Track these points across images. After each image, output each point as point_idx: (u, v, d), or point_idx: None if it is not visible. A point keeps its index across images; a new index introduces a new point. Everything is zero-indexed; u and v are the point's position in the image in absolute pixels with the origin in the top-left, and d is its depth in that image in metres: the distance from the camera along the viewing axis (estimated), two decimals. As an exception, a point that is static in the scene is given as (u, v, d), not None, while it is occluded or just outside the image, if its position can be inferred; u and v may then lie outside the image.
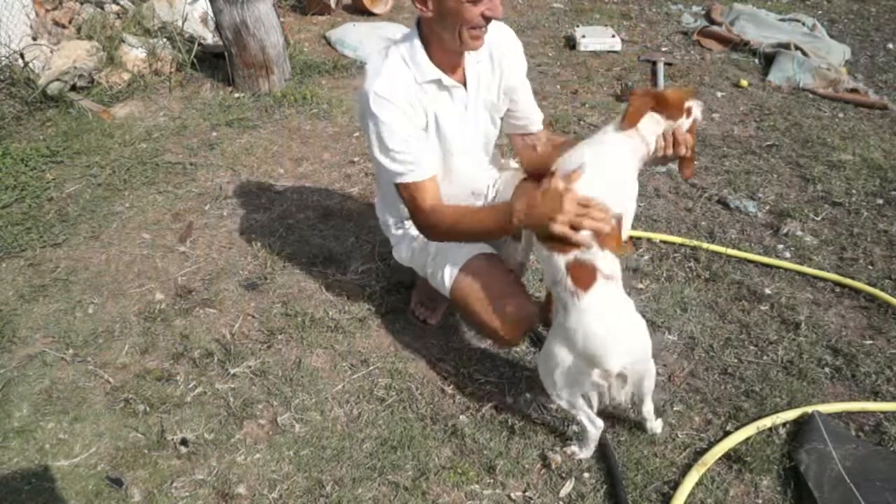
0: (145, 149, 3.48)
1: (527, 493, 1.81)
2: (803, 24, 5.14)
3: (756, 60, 4.66)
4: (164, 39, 4.35)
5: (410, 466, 1.87)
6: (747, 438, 1.92)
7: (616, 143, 1.74)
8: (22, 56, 4.01)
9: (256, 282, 2.57)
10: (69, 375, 2.17)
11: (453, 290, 2.02)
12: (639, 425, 1.97)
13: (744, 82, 4.30)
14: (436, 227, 1.89)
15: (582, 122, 3.82)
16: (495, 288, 1.94)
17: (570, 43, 4.96)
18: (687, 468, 1.85)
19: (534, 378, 2.00)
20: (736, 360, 2.23)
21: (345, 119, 3.84)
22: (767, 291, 2.53)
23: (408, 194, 1.89)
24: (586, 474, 1.85)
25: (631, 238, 2.77)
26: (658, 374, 2.18)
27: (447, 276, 2.02)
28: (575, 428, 1.94)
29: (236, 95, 4.05)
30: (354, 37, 4.75)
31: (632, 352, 1.69)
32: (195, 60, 4.26)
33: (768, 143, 3.60)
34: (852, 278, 2.58)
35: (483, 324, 1.97)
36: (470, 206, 1.99)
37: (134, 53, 4.22)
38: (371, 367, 2.20)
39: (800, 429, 1.95)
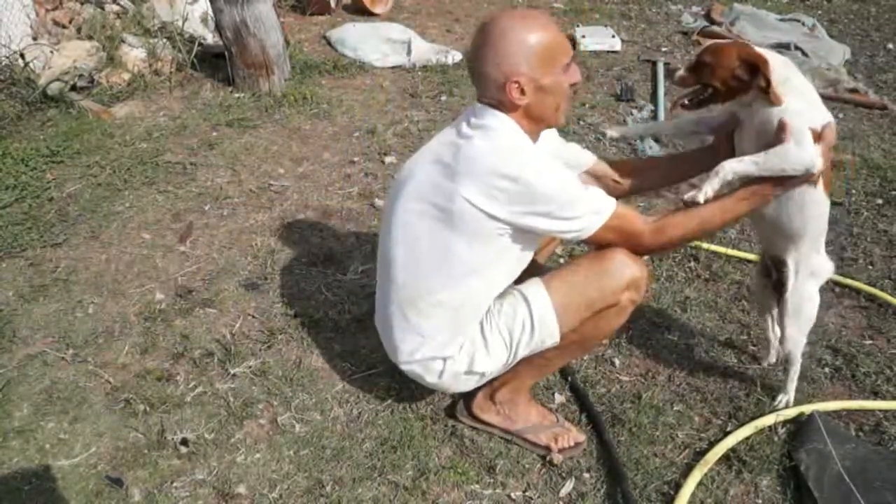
0: (145, 149, 3.48)
1: (527, 493, 1.81)
2: (803, 24, 5.14)
3: (756, 60, 4.65)
4: (165, 39, 4.35)
5: (410, 466, 1.87)
6: (747, 438, 1.92)
7: None
8: (22, 56, 4.00)
9: (257, 282, 2.57)
10: (69, 375, 2.17)
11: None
12: (639, 425, 1.97)
13: (744, 82, 4.29)
14: (668, 240, 1.72)
15: (581, 122, 3.82)
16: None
17: (571, 43, 4.95)
18: (687, 468, 1.85)
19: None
20: (736, 360, 2.24)
21: (345, 119, 3.84)
22: (767, 291, 2.53)
23: (616, 231, 1.67)
24: (586, 474, 1.85)
25: None
26: (658, 373, 2.20)
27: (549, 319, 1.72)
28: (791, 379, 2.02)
29: (236, 95, 4.05)
30: (354, 37, 4.75)
31: None
32: (195, 60, 4.26)
33: (768, 143, 3.60)
34: (852, 278, 2.58)
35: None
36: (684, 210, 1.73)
37: (134, 53, 4.21)
38: (371, 368, 2.20)
39: (800, 429, 1.95)
